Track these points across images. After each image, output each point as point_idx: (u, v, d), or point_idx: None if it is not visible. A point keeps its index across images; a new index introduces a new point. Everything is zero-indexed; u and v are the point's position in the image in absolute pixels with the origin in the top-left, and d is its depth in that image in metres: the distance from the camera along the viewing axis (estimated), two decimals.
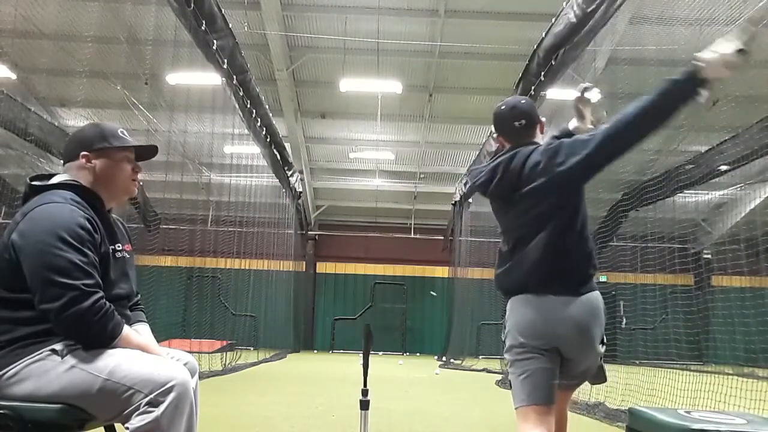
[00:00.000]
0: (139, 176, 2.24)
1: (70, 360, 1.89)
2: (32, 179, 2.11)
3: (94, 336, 1.92)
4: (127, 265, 2.20)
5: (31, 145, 10.82)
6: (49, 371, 1.87)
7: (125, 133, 2.21)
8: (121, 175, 2.17)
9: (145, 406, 1.83)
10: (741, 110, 9.50)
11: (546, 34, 8.10)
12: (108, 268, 2.06)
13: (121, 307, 2.09)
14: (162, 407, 1.83)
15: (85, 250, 1.94)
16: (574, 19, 7.32)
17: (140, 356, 1.95)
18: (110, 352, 1.93)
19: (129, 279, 2.20)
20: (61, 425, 1.87)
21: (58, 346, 1.89)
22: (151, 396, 1.83)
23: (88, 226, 1.99)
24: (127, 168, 2.18)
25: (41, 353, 1.89)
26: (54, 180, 2.11)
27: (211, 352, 10.38)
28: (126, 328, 2.01)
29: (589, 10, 7.04)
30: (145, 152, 2.27)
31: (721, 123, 9.63)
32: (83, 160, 2.12)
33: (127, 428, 1.86)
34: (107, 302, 1.94)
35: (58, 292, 1.85)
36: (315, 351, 19.86)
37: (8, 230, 1.99)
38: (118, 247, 2.15)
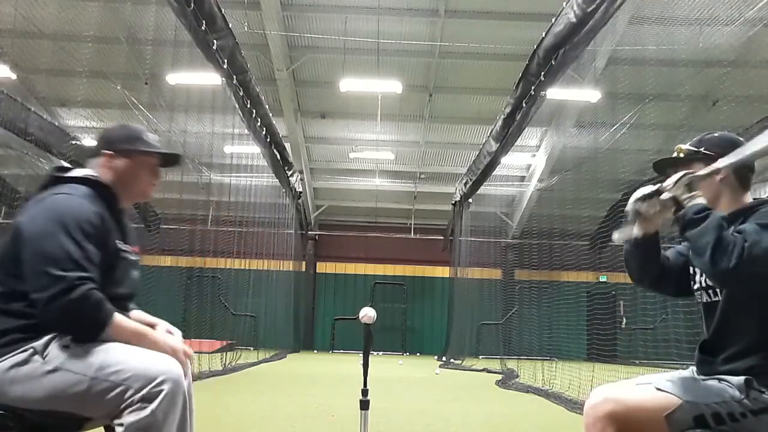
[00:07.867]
0: None
1: (53, 361, 1.84)
2: (55, 170, 2.13)
3: (82, 328, 1.89)
4: (133, 266, 2.20)
5: (31, 145, 10.83)
6: (32, 377, 1.83)
7: (151, 137, 2.23)
8: (140, 178, 2.20)
9: (139, 402, 1.81)
10: (741, 110, 9.50)
11: (546, 34, 8.11)
12: (114, 265, 2.05)
13: (122, 308, 2.07)
14: (156, 401, 1.80)
15: (85, 244, 1.91)
16: (574, 19, 7.34)
17: (130, 351, 1.91)
18: (98, 348, 1.89)
19: (133, 280, 2.20)
20: (61, 426, 1.87)
21: (40, 346, 1.85)
22: (144, 391, 1.81)
23: (95, 221, 1.98)
24: (147, 172, 2.21)
25: (25, 351, 1.85)
26: (73, 173, 2.12)
27: (211, 352, 10.37)
28: (117, 317, 1.95)
29: (589, 10, 7.05)
30: (170, 159, 2.29)
31: (721, 123, 9.63)
32: (105, 159, 2.15)
33: (120, 425, 1.82)
34: (96, 293, 1.89)
35: (47, 282, 1.83)
36: (315, 351, 19.86)
37: (18, 215, 2.00)
38: (128, 247, 2.15)
